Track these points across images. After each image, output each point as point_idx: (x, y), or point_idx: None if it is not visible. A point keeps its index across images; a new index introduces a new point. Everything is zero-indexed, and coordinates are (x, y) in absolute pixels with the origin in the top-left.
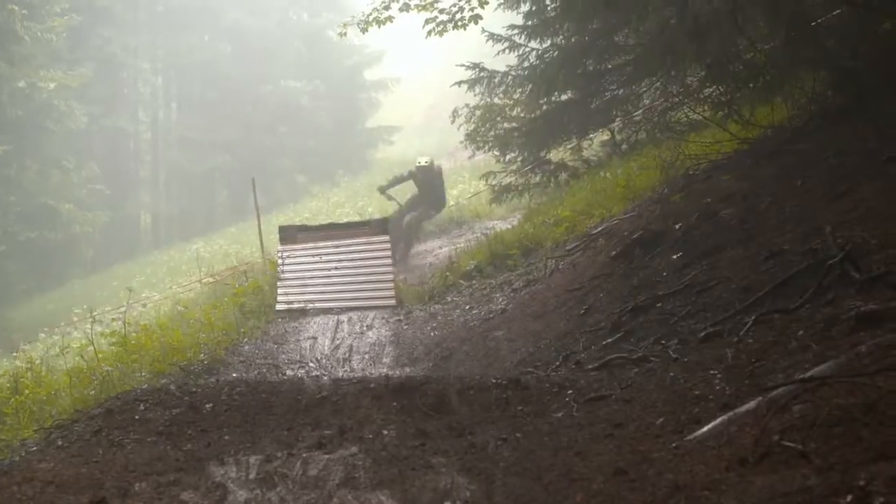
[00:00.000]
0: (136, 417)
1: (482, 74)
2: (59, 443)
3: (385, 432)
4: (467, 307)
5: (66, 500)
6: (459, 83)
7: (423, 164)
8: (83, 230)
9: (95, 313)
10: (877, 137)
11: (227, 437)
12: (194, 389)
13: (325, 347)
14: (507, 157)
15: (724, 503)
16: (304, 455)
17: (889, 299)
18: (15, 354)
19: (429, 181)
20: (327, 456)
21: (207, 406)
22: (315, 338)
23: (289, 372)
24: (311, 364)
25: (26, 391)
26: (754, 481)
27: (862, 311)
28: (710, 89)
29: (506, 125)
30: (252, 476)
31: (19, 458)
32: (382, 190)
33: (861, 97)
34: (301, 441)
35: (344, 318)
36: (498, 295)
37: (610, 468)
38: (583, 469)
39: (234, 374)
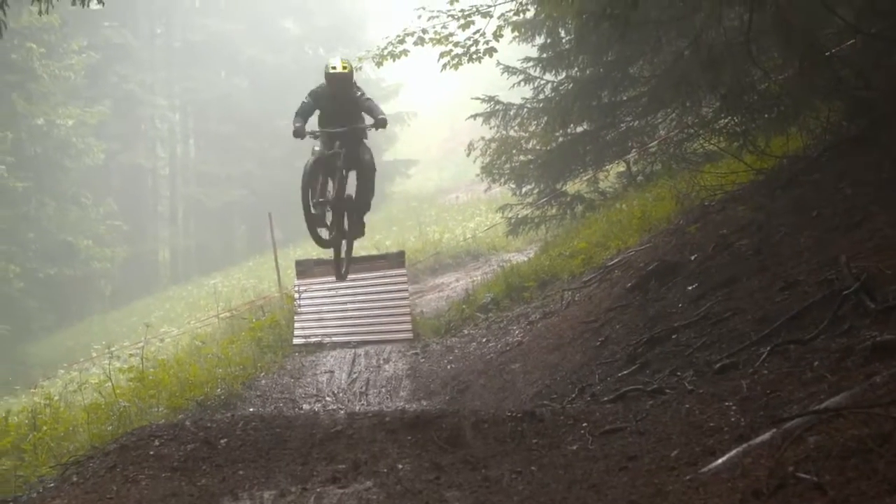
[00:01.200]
0: (151, 453)
1: (497, 107)
2: (74, 479)
3: (400, 466)
4: (484, 339)
5: None
6: (475, 116)
7: (333, 69)
8: (102, 266)
9: (113, 349)
10: (892, 167)
11: (241, 472)
12: (209, 425)
13: (342, 381)
14: (524, 189)
15: None
16: (318, 490)
17: None
18: (33, 391)
19: (341, 96)
20: (341, 490)
21: (222, 441)
22: (332, 371)
23: (305, 406)
24: (327, 398)
25: (44, 428)
26: None
27: (877, 341)
28: (725, 120)
29: (521, 157)
30: None
31: (36, 494)
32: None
33: (876, 127)
34: (315, 475)
35: (361, 351)
36: (514, 327)
37: (624, 502)
38: (597, 503)
39: (251, 409)
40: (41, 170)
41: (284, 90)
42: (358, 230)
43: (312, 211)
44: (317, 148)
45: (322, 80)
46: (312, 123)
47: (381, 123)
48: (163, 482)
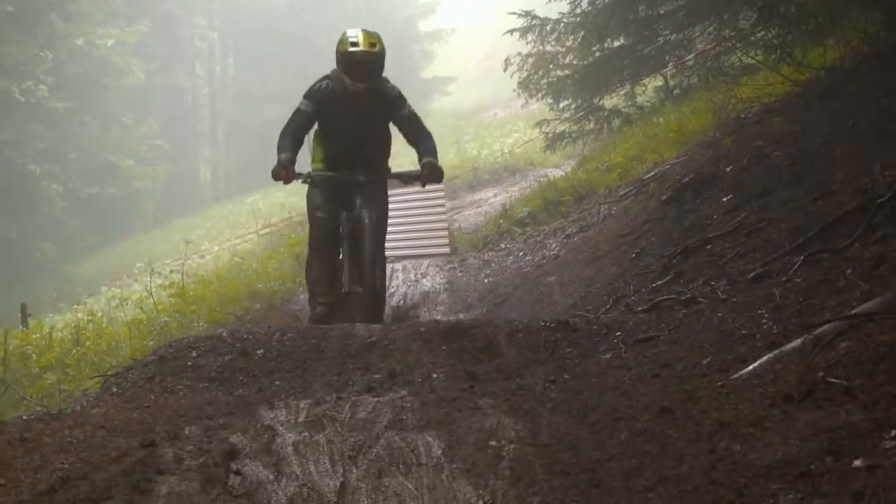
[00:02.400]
0: (189, 364)
1: (534, 22)
2: (114, 389)
3: (434, 375)
4: (521, 254)
5: (116, 443)
6: (512, 31)
7: (352, 47)
8: (143, 185)
9: (155, 266)
10: None
11: (277, 383)
12: (246, 336)
13: None
14: (561, 104)
15: (768, 439)
16: (353, 398)
17: None
18: (76, 307)
19: (366, 100)
20: (376, 399)
21: (259, 352)
22: None
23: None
24: None
25: (87, 343)
26: (799, 417)
27: None
28: (762, 32)
29: (559, 73)
30: (301, 419)
31: (79, 407)
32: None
33: None
34: (351, 385)
35: (398, 266)
36: (551, 241)
37: (655, 407)
38: (628, 409)
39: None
40: (82, 90)
41: (323, 6)
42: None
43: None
44: (317, 200)
45: (328, 70)
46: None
47: (432, 175)
48: (200, 392)
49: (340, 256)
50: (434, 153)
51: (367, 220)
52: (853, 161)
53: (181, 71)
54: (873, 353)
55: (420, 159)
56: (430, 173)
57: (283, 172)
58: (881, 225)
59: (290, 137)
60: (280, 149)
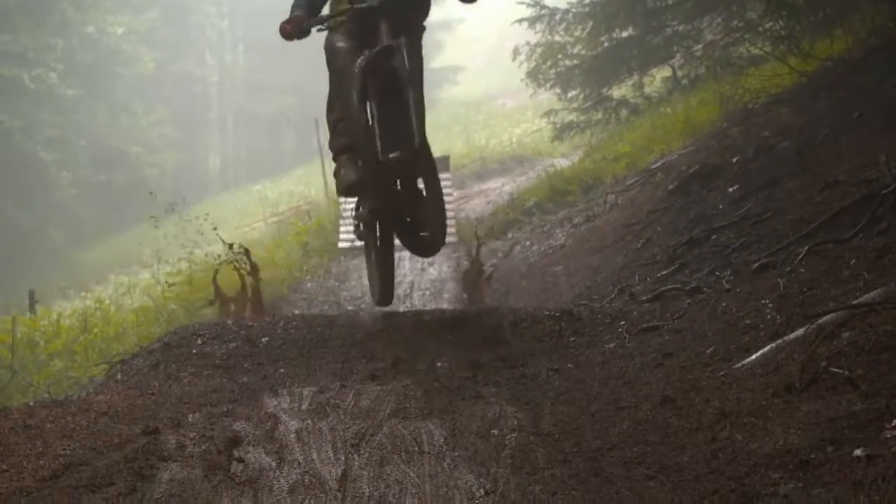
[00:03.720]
0: (194, 351)
1: (543, 12)
2: (119, 376)
3: (438, 364)
4: (527, 243)
5: (119, 430)
6: (520, 21)
7: None
8: (152, 173)
9: (162, 254)
10: None
11: (282, 370)
12: (251, 324)
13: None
14: (569, 94)
15: (770, 429)
16: (357, 387)
17: None
18: (84, 294)
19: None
20: (380, 387)
21: (263, 340)
22: None
23: (350, 308)
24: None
25: (95, 330)
26: (800, 407)
27: None
28: (770, 23)
29: (567, 62)
30: (304, 407)
31: (85, 394)
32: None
33: None
34: (355, 373)
35: (406, 254)
36: (557, 230)
37: (658, 396)
38: (631, 398)
39: (297, 311)
40: (92, 78)
41: None
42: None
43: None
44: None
45: None
46: None
47: None
48: (204, 379)
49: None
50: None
51: (402, 66)
52: (859, 152)
53: (191, 59)
54: (875, 344)
55: None
56: None
57: (288, 26)
58: (886, 216)
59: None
60: (293, 8)
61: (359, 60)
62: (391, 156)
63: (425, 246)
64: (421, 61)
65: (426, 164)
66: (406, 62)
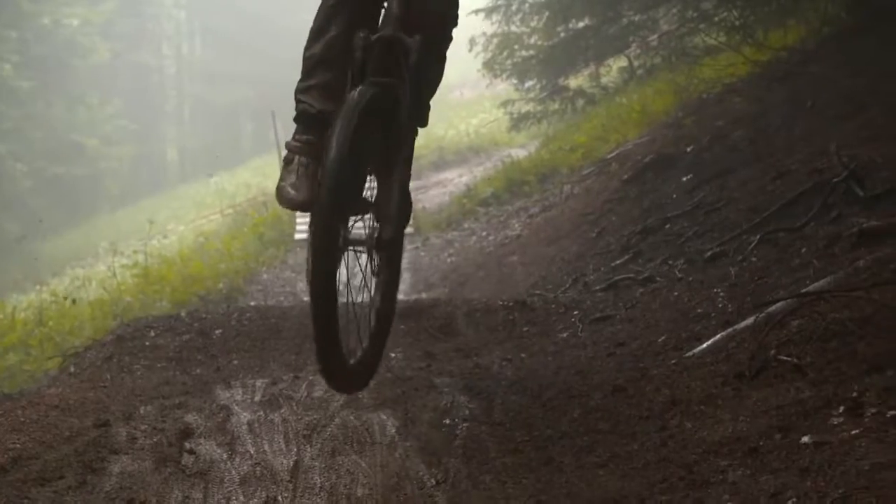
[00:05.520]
0: (147, 344)
1: (499, 2)
2: (72, 369)
3: (392, 355)
4: (483, 233)
5: (70, 423)
6: (477, 12)
7: None
8: (109, 165)
9: (118, 246)
10: (889, 58)
11: (235, 362)
12: (204, 316)
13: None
14: (526, 84)
15: (719, 417)
16: (310, 378)
17: (891, 215)
18: (39, 287)
19: None
20: None
21: (217, 332)
22: None
23: (306, 301)
24: None
25: (50, 323)
26: (750, 395)
27: (864, 227)
28: (725, 13)
29: (523, 53)
30: (257, 398)
31: (38, 388)
32: None
33: (874, 18)
34: (308, 364)
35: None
36: (514, 221)
37: (609, 385)
38: (582, 387)
39: (253, 302)
40: (48, 69)
41: None
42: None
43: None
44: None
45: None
46: None
47: None
48: (157, 371)
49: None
50: None
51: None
52: (811, 141)
53: (148, 50)
54: (824, 331)
55: None
56: None
57: None
58: (837, 204)
59: None
60: None
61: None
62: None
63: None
64: (432, 90)
65: (392, 249)
66: (408, 95)
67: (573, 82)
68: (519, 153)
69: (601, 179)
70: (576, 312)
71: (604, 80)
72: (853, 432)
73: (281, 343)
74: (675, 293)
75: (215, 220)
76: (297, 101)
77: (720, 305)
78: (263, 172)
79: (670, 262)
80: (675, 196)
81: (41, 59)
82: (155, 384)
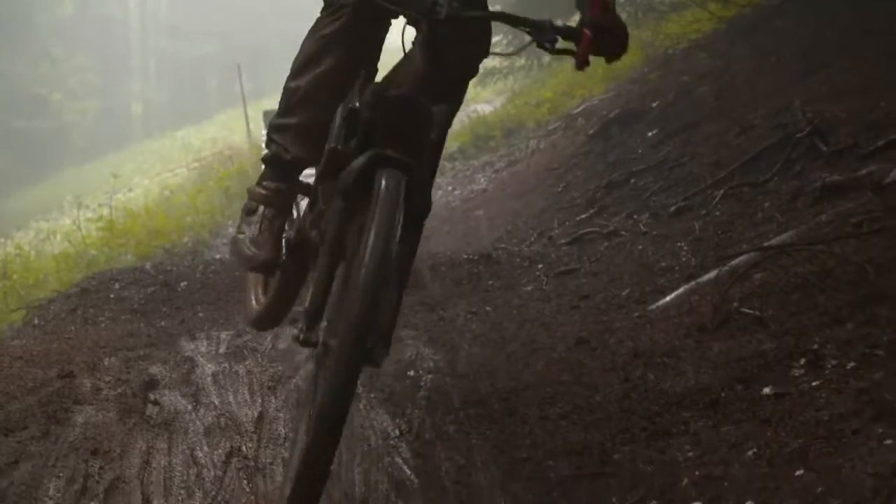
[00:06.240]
0: (112, 296)
1: None
2: (36, 321)
3: None
4: (449, 188)
5: (34, 374)
6: None
7: None
8: (74, 119)
9: (84, 200)
10: (851, 14)
11: (200, 315)
12: (169, 268)
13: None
14: (492, 40)
15: (681, 369)
16: (275, 330)
17: (853, 170)
18: (2, 241)
19: None
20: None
21: (182, 284)
22: None
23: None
24: None
25: (14, 276)
26: (712, 347)
27: (826, 182)
28: None
29: (490, 7)
30: (222, 350)
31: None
32: None
33: None
34: None
35: None
36: (479, 175)
37: (573, 338)
38: (546, 339)
39: (217, 256)
40: (11, 23)
41: None
42: None
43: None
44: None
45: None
46: None
47: (605, 40)
48: (122, 324)
49: None
50: None
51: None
52: (775, 96)
53: (112, 3)
54: (786, 284)
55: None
56: (605, 38)
57: None
58: (800, 159)
59: None
60: None
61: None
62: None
63: None
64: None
65: None
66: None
67: None
68: (485, 108)
69: (567, 134)
70: (540, 266)
71: None
72: (814, 384)
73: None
74: (640, 247)
75: (181, 174)
76: (270, 140)
77: (684, 259)
78: (229, 127)
79: (635, 216)
80: (640, 151)
81: (3, 12)
82: (119, 336)
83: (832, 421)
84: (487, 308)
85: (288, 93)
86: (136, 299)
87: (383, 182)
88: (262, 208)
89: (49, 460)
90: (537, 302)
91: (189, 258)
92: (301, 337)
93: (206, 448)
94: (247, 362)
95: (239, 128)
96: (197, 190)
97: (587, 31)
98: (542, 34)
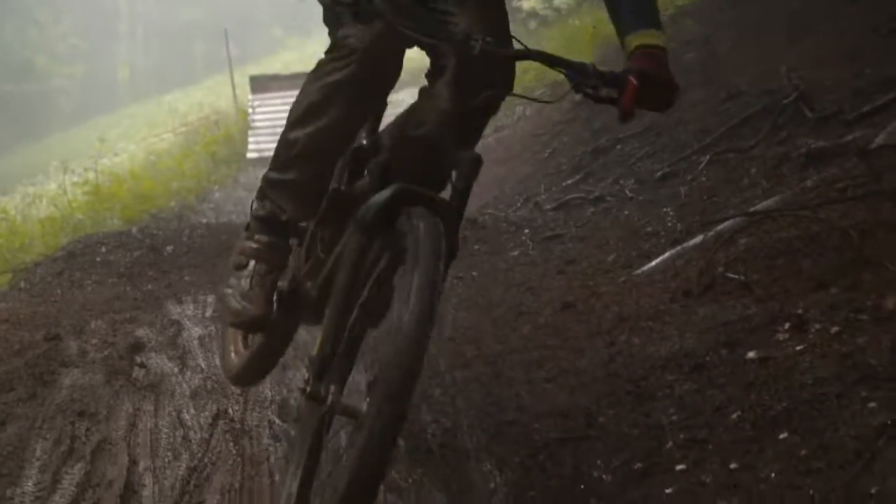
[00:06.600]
0: (98, 260)
1: None
2: (22, 285)
3: None
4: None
5: (20, 337)
6: None
7: None
8: (61, 83)
9: (69, 164)
10: None
11: (187, 278)
12: (156, 232)
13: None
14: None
15: (667, 333)
16: None
17: (839, 136)
18: None
19: None
20: None
21: (168, 248)
22: None
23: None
24: None
25: (0, 240)
26: (697, 311)
27: (812, 148)
28: None
29: None
30: (208, 314)
31: None
32: None
33: None
34: None
35: None
36: None
37: (559, 302)
38: (532, 304)
39: (203, 220)
40: None
41: None
42: None
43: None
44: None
45: None
46: None
47: (651, 91)
48: (108, 287)
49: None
50: (654, 16)
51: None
52: (761, 63)
53: None
54: (771, 249)
55: (624, 34)
56: (652, 89)
57: None
58: (786, 125)
59: None
60: None
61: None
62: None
63: None
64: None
65: None
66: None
67: (526, 4)
68: None
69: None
70: (526, 231)
71: (556, 1)
72: (798, 348)
73: None
74: (626, 212)
75: (167, 139)
76: (264, 195)
77: (669, 224)
78: (216, 92)
79: (621, 181)
80: None
81: None
82: (106, 299)
83: (816, 385)
84: (474, 273)
85: (286, 145)
86: (122, 263)
87: (420, 224)
88: (252, 263)
89: (36, 422)
90: (523, 266)
91: (175, 222)
92: (307, 390)
93: (192, 410)
94: None
95: (225, 93)
96: (183, 155)
97: (633, 80)
98: (583, 78)
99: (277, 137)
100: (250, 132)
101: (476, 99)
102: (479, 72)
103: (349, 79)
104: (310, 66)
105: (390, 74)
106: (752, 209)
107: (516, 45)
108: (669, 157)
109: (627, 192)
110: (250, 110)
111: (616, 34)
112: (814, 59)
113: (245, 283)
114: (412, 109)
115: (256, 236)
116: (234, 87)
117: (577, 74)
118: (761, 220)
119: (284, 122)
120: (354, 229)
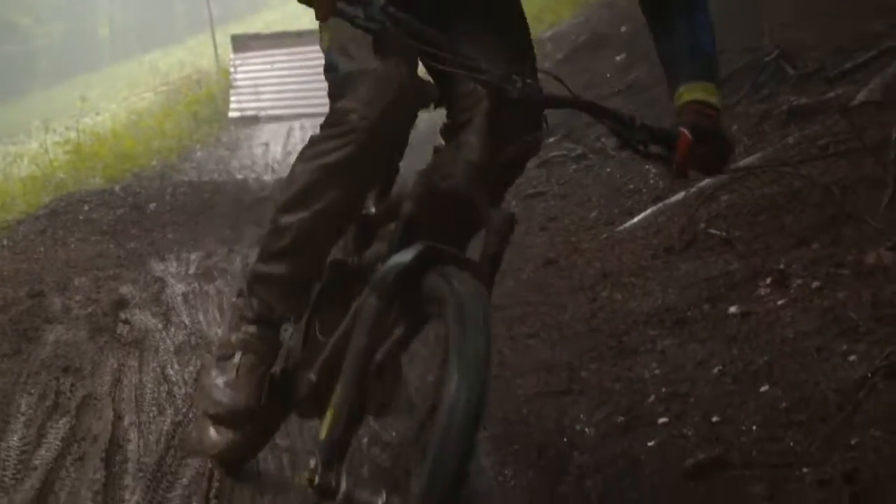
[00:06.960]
0: (81, 218)
1: None
2: (5, 242)
3: None
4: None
5: (4, 293)
6: None
7: None
8: (41, 43)
9: (51, 123)
10: None
11: (170, 236)
12: (138, 190)
13: (278, 154)
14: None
15: (649, 289)
16: (245, 251)
17: (820, 93)
18: None
19: None
20: None
21: (151, 206)
22: (267, 144)
23: (240, 177)
24: (262, 170)
25: None
26: (679, 267)
27: (793, 105)
28: None
29: None
30: (192, 271)
31: None
32: None
33: None
34: (243, 238)
35: (296, 124)
36: None
37: (541, 259)
38: (515, 260)
39: (185, 179)
40: None
41: None
42: None
43: None
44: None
45: None
46: None
47: (704, 153)
48: (91, 244)
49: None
50: (712, 69)
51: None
52: (743, 21)
53: None
54: (753, 206)
55: (677, 83)
56: (706, 146)
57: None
58: (767, 82)
59: None
60: None
61: None
62: None
63: None
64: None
65: None
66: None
67: None
68: None
69: (536, 59)
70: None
71: None
72: (779, 303)
73: (215, 218)
74: (608, 169)
75: (148, 98)
76: (252, 289)
77: (651, 181)
78: (198, 51)
79: (603, 139)
80: (608, 75)
81: None
82: (89, 256)
83: (797, 339)
84: None
85: (275, 233)
86: (105, 221)
87: (461, 287)
88: (239, 354)
89: (21, 377)
90: None
91: (158, 181)
92: (316, 480)
93: (176, 366)
94: (216, 282)
95: (207, 52)
96: (165, 114)
97: (687, 133)
98: (631, 133)
99: (259, 96)
100: (232, 91)
101: (509, 148)
102: (512, 116)
103: (351, 158)
104: (292, 25)
105: (399, 144)
106: (733, 166)
107: (543, 78)
108: (651, 115)
109: (609, 149)
110: (232, 69)
111: (665, 78)
112: (795, 16)
113: (231, 373)
114: (436, 163)
115: (244, 328)
116: (215, 47)
117: (626, 128)
118: (743, 176)
119: (266, 81)
120: (370, 294)
